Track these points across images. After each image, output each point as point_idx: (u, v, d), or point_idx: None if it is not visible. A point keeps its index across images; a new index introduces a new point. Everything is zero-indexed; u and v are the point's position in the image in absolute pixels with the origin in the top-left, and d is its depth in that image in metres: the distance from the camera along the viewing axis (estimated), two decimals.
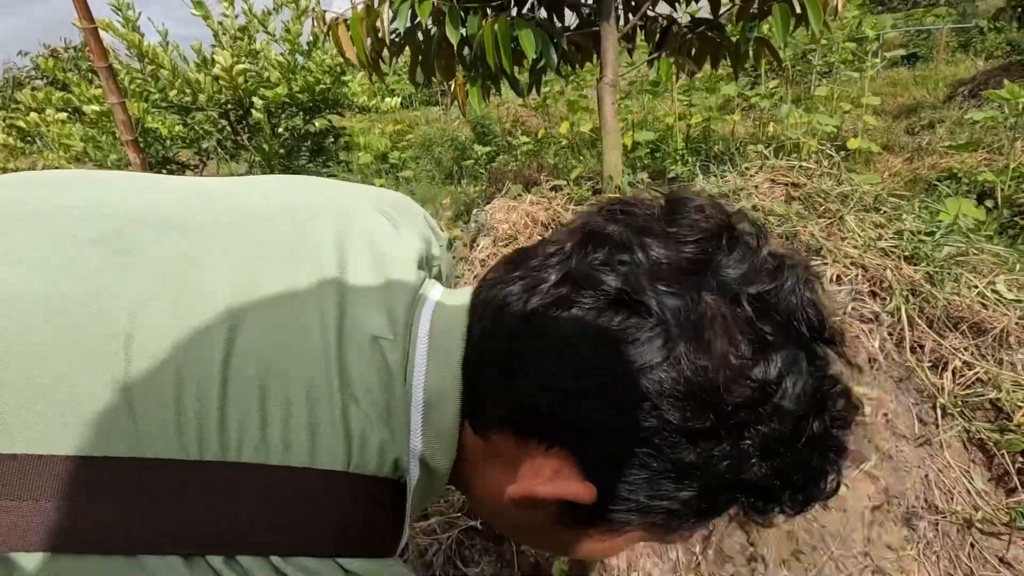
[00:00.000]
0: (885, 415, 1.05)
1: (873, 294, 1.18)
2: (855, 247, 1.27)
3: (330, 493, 0.31)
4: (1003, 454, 1.05)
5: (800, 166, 1.64)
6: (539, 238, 1.45)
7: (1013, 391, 1.10)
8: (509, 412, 0.34)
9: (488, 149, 5.29)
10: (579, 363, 0.31)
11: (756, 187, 1.51)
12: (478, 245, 1.45)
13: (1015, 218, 2.70)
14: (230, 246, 0.34)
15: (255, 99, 3.10)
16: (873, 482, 1.00)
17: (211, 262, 0.33)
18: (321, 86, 3.59)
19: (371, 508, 0.33)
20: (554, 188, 1.87)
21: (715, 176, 1.58)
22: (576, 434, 0.32)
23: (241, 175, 3.79)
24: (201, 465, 0.28)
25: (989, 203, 2.71)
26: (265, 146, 3.27)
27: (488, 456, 0.37)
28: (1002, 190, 2.53)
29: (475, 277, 1.38)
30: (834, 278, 1.15)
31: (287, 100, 3.67)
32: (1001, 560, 0.95)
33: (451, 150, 6.13)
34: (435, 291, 0.41)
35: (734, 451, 0.30)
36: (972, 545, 0.96)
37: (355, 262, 0.36)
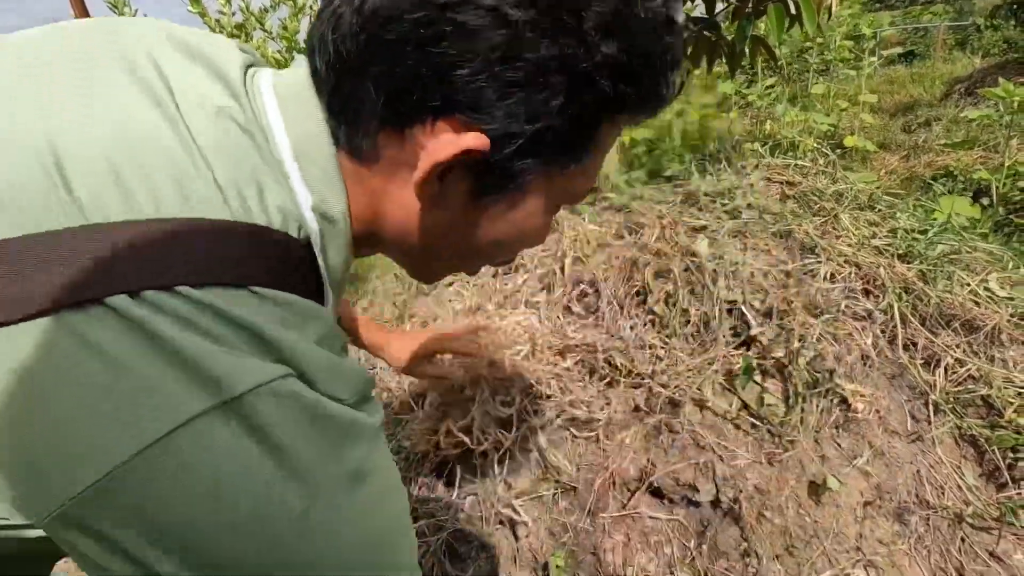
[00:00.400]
0: (878, 412, 1.06)
1: (867, 292, 1.19)
2: (849, 245, 1.28)
3: (220, 238, 0.30)
4: (994, 450, 1.06)
5: (796, 164, 1.65)
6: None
7: (1004, 388, 1.11)
8: (380, 108, 0.35)
9: None
10: (420, 17, 0.32)
11: (752, 185, 1.52)
12: None
13: (1010, 216, 2.72)
14: (37, 67, 0.33)
15: None
16: (866, 478, 1.01)
17: (22, 81, 0.33)
18: None
19: (274, 259, 0.33)
20: None
21: (711, 174, 1.58)
22: (445, 88, 0.33)
23: None
24: (59, 232, 0.28)
25: (985, 201, 2.72)
26: None
27: (385, 180, 0.38)
28: (997, 188, 2.54)
29: (470, 284, 1.38)
30: (828, 276, 1.16)
31: None
32: (991, 554, 0.96)
33: None
34: (267, 68, 0.41)
35: (578, 35, 0.33)
36: (963, 539, 0.97)
37: (170, 56, 0.35)
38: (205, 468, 0.27)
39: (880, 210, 1.49)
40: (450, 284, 1.42)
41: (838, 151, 3.82)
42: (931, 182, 3.22)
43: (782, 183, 1.58)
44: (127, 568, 0.28)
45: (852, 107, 4.17)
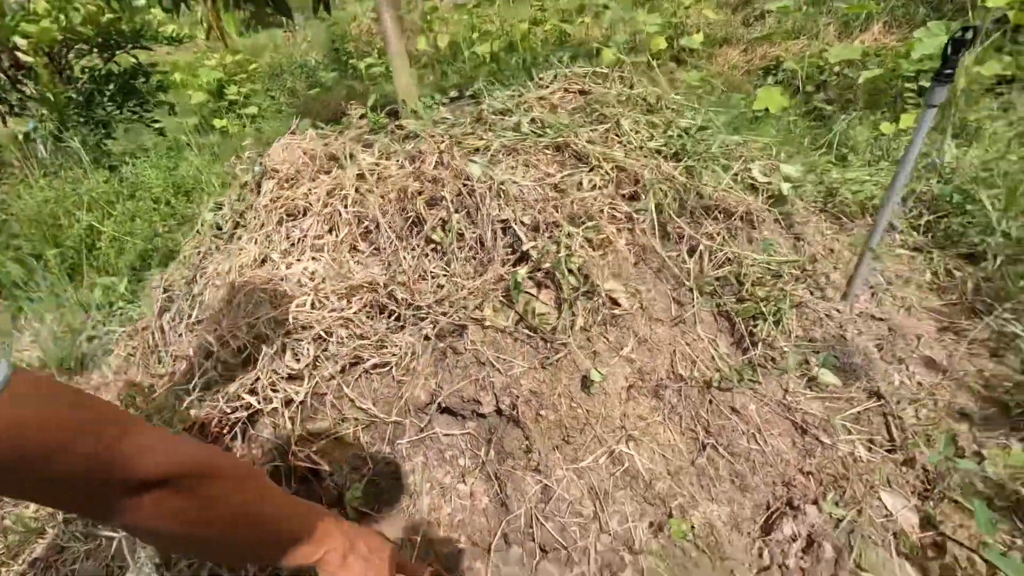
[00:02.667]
0: (642, 305, 1.16)
1: (635, 196, 1.26)
2: (625, 150, 1.33)
3: None
4: (740, 320, 1.21)
5: (593, 72, 1.66)
6: (321, 178, 1.39)
7: (751, 265, 1.26)
8: None
9: (334, 75, 4.88)
10: None
11: (545, 97, 1.52)
12: (262, 190, 1.36)
13: (812, 100, 2.97)
14: None
15: (16, 38, 2.59)
16: (630, 364, 1.12)
17: None
18: (108, 16, 3.07)
19: None
20: (363, 116, 1.77)
21: (506, 88, 1.56)
22: None
23: (27, 132, 3.24)
24: None
25: (811, 87, 2.94)
26: (50, 95, 2.79)
27: None
28: (801, 75, 2.75)
29: (260, 225, 1.31)
30: (592, 185, 1.21)
31: (70, 36, 3.11)
32: (733, 410, 1.12)
33: (303, 78, 5.60)
34: None
35: None
36: (710, 402, 1.12)
37: None
38: None
39: (664, 113, 1.55)
40: (239, 237, 1.34)
41: (684, 51, 3.94)
42: (763, 72, 3.42)
43: (578, 92, 1.59)
44: None
45: (696, 4, 4.25)
